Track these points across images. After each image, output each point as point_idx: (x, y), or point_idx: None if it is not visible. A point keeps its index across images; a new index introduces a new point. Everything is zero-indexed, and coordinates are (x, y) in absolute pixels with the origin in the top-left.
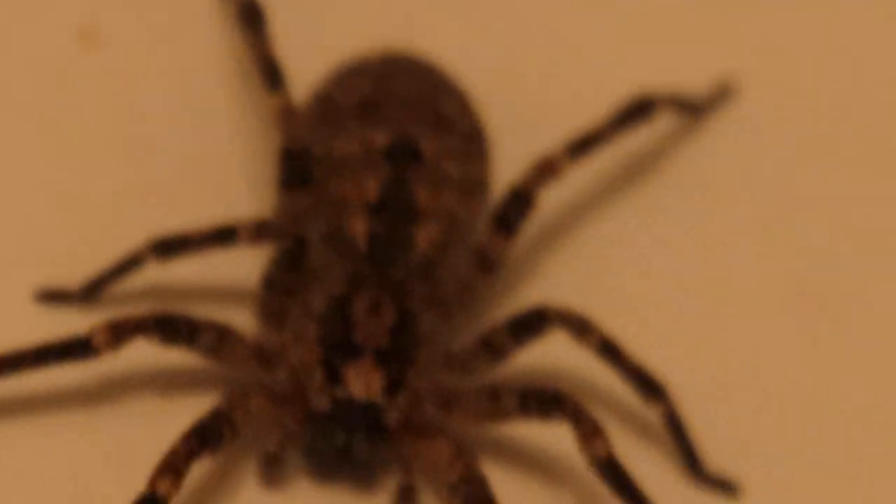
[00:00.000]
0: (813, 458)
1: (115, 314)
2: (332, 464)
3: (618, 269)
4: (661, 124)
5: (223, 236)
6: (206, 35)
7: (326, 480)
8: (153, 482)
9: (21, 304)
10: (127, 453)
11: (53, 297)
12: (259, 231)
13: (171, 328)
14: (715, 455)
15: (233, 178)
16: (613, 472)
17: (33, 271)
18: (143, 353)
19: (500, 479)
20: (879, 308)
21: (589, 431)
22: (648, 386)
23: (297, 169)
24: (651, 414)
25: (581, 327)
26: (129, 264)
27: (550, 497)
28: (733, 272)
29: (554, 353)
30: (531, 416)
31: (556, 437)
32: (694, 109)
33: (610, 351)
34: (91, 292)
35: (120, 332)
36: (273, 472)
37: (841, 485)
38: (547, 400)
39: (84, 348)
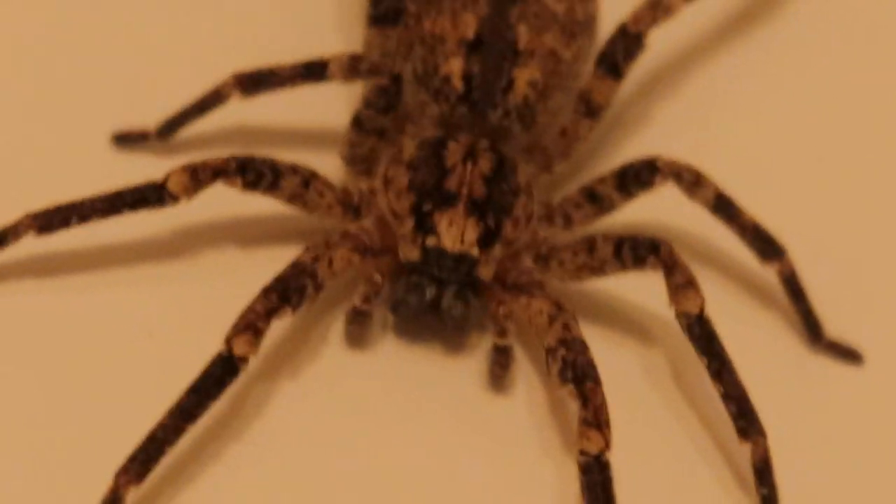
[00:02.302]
0: None
1: (194, 159)
2: (421, 320)
3: (731, 120)
4: None
5: (313, 71)
6: None
7: (415, 339)
8: (230, 341)
9: (98, 149)
10: (203, 309)
11: (131, 139)
12: (352, 66)
13: (252, 172)
14: (835, 322)
15: (319, 14)
16: (701, 329)
17: (110, 114)
18: (221, 201)
19: (597, 344)
20: None
21: (681, 283)
22: (766, 245)
23: (389, 3)
24: (768, 276)
25: (694, 180)
26: (211, 101)
27: (648, 361)
28: (856, 126)
29: (663, 209)
30: (626, 266)
31: (657, 299)
32: None
33: (724, 206)
34: (169, 130)
35: (198, 176)
36: (359, 329)
37: None
38: (642, 246)
39: (160, 194)
